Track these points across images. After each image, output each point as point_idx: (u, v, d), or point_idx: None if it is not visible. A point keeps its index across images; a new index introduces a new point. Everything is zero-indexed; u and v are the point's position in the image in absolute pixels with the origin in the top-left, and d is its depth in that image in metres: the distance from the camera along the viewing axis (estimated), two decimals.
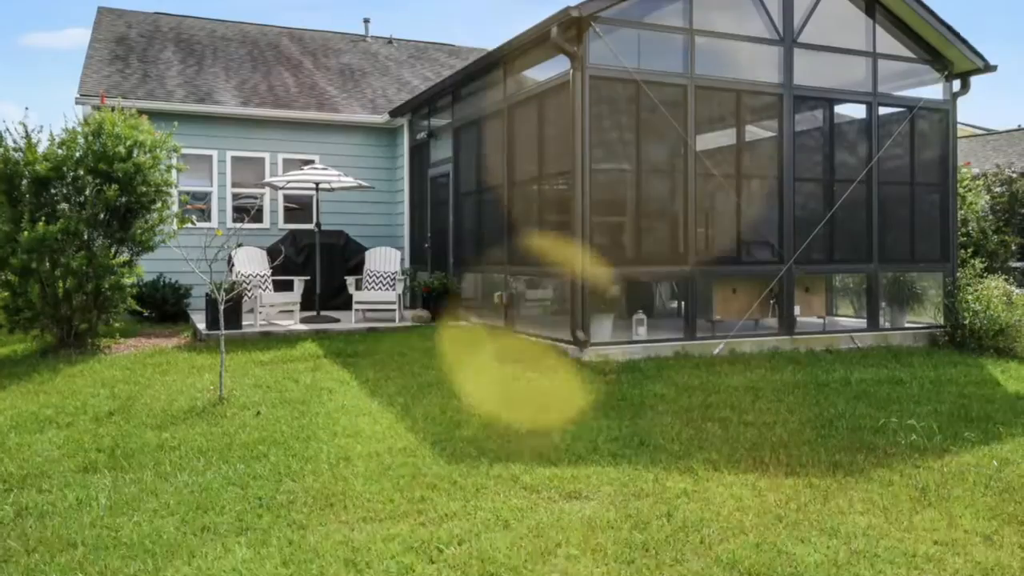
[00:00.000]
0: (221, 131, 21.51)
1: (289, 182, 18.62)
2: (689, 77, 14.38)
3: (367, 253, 19.54)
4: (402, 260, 20.58)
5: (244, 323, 16.82)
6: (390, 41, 31.57)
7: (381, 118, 22.65)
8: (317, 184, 18.74)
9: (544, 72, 15.19)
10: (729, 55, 15.11)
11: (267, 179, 19.97)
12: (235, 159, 21.71)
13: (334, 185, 18.97)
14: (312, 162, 22.16)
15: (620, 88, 13.94)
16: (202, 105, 21.09)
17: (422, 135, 21.44)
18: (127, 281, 14.67)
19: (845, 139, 16.32)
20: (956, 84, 16.93)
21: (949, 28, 16.19)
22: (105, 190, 14.11)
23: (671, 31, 14.50)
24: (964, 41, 16.29)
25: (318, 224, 19.01)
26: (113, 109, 15.18)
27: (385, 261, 19.12)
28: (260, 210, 21.97)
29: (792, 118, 15.29)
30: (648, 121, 14.22)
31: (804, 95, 15.43)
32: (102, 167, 14.21)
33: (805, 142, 15.85)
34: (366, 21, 31.74)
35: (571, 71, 13.65)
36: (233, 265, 17.89)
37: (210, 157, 21.43)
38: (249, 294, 17.26)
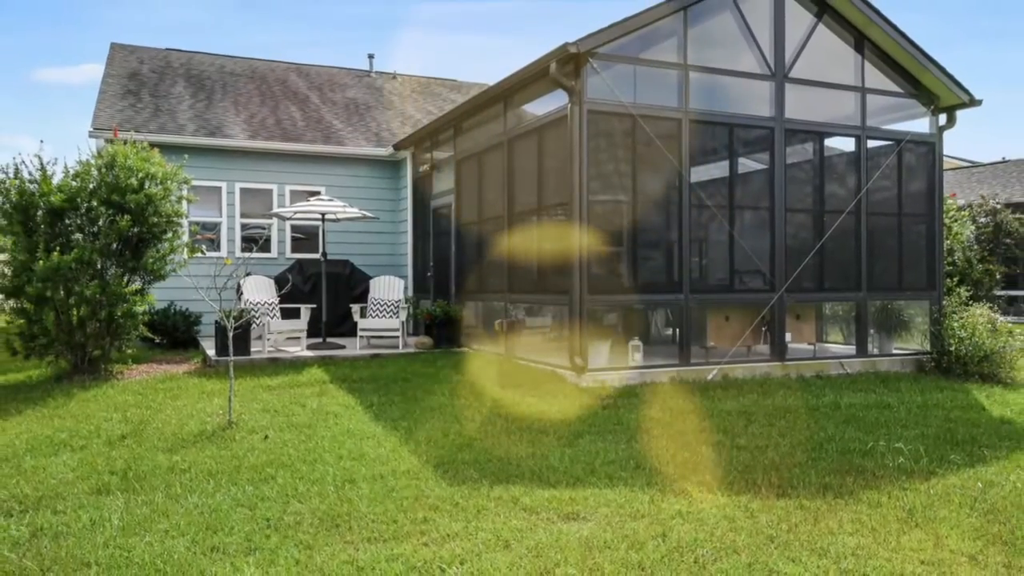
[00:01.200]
0: (230, 163, 21.59)
1: (296, 213, 18.68)
2: (683, 111, 14.47)
3: (371, 282, 19.61)
4: (405, 288, 20.62)
5: (252, 349, 16.86)
6: (394, 76, 31.75)
7: (385, 151, 22.74)
8: (323, 215, 18.81)
9: (543, 106, 15.27)
10: (722, 89, 15.19)
11: (275, 210, 20.02)
12: (244, 190, 21.78)
13: (339, 216, 19.02)
14: (318, 193, 22.27)
15: (617, 122, 14.01)
16: (212, 138, 21.17)
17: (425, 167, 21.52)
18: (139, 309, 14.70)
19: (835, 171, 16.38)
20: (942, 118, 17.01)
21: (935, 63, 16.29)
22: (118, 221, 14.16)
23: (666, 67, 14.59)
24: (950, 76, 16.38)
25: (324, 254, 19.08)
26: (126, 142, 15.25)
27: (389, 290, 19.17)
28: (268, 240, 22.02)
29: (783, 151, 15.36)
30: (644, 154, 14.29)
31: (795, 128, 15.50)
32: (115, 198, 14.26)
33: (796, 174, 15.91)
34: (370, 57, 31.89)
35: (569, 105, 13.74)
36: (242, 293, 17.94)
37: (219, 188, 21.50)
38: (257, 321, 17.30)
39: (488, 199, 17.39)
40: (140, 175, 14.59)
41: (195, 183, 18.12)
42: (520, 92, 16.06)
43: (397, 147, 22.31)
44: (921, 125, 16.99)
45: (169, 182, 15.00)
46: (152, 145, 15.98)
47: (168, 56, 28.14)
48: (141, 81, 24.79)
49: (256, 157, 21.90)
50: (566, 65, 13.68)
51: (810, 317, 16.34)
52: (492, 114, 17.41)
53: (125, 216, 14.21)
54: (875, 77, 16.40)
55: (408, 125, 25.33)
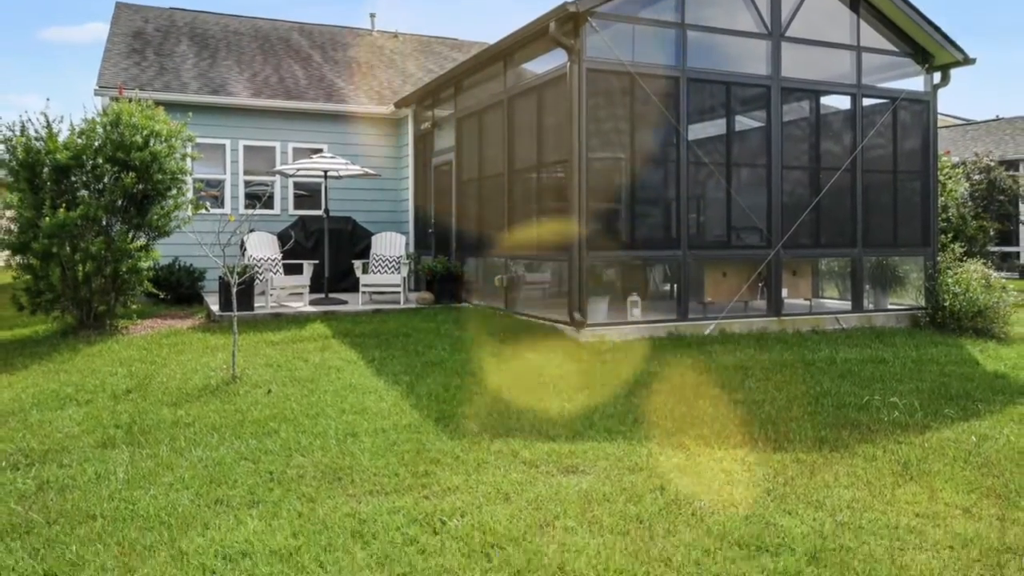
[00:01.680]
0: (234, 121, 21.44)
1: (299, 170, 18.59)
2: (681, 70, 14.32)
3: (373, 238, 19.53)
4: (407, 245, 20.50)
5: (256, 305, 16.79)
6: (395, 35, 31.57)
7: (387, 109, 22.60)
8: (326, 172, 18.71)
9: (543, 65, 15.13)
10: (720, 48, 15.04)
11: (278, 167, 19.87)
12: (247, 148, 21.66)
13: (342, 173, 18.92)
14: (321, 151, 22.12)
15: (615, 80, 13.88)
16: (216, 96, 21.02)
17: (426, 125, 21.38)
18: (143, 265, 14.62)
19: (830, 129, 16.24)
20: (937, 76, 16.84)
21: (930, 22, 16.12)
22: (123, 178, 14.06)
23: (664, 26, 14.43)
24: (944, 35, 16.20)
25: (326, 210, 18.98)
26: (131, 100, 15.13)
27: (390, 246, 19.10)
28: (271, 197, 21.91)
29: (780, 109, 15.22)
30: (642, 112, 14.16)
31: (791, 87, 15.34)
32: (120, 156, 14.16)
33: (792, 132, 15.78)
34: (372, 16, 31.80)
35: (568, 64, 13.60)
36: (245, 249, 17.87)
37: (223, 146, 21.38)
38: (260, 277, 17.23)
39: (488, 156, 17.26)
40: (145, 133, 14.46)
41: (199, 140, 17.97)
42: (520, 51, 15.91)
43: (398, 105, 22.14)
44: (916, 83, 16.82)
45: (173, 140, 14.89)
46: (157, 103, 15.85)
47: (173, 15, 27.96)
48: (146, 40, 24.62)
49: (259, 115, 21.75)
50: (565, 24, 13.52)
51: (806, 273, 16.25)
52: (492, 73, 17.25)
53: (130, 173, 14.12)
54: (870, 36, 16.22)
55: (409, 84, 25.17)
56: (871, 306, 16.47)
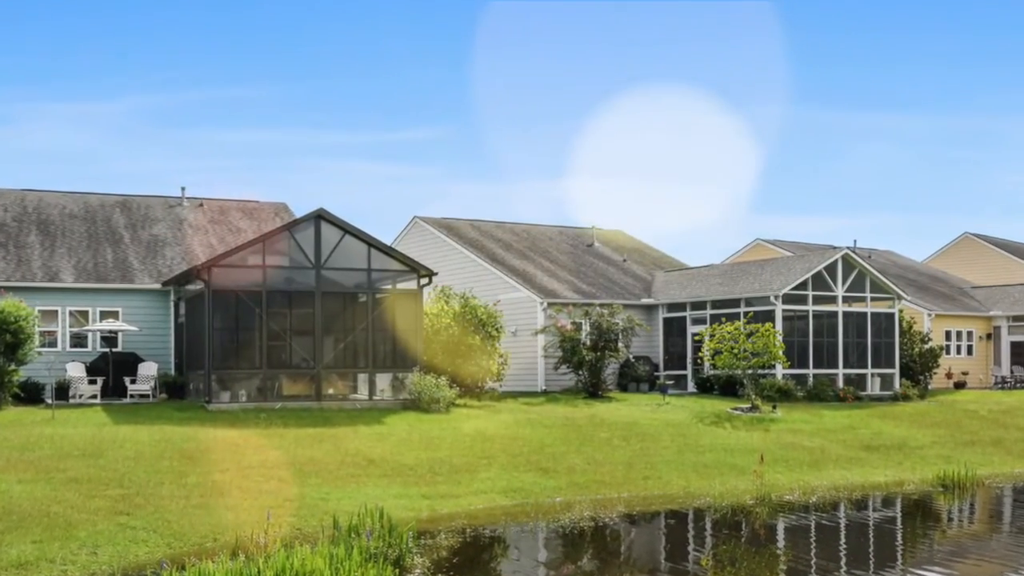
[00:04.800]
0: (63, 296, 41.17)
1: (101, 328, 39.15)
2: (264, 287, 35.66)
3: (141, 364, 40.00)
4: (158, 368, 40.43)
5: (70, 400, 37.20)
6: (201, 204, 48.88)
7: (158, 285, 42.44)
8: (114, 331, 39.32)
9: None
10: (289, 273, 36.36)
11: (89, 326, 40.42)
12: (71, 312, 41.34)
13: (125, 329, 39.43)
14: (117, 314, 41.97)
15: (241, 295, 35.06)
16: (52, 283, 40.81)
17: (179, 297, 41.91)
18: (16, 379, 35.06)
19: (358, 308, 37.38)
20: (424, 280, 38.18)
21: (398, 255, 37.72)
22: (5, 337, 34.34)
23: (255, 268, 35.81)
24: (417, 266, 37.68)
25: (111, 350, 39.67)
26: (9, 293, 35.74)
27: (148, 369, 39.66)
28: (86, 338, 41.90)
29: (321, 302, 36.37)
30: (260, 307, 35.38)
31: (328, 291, 36.70)
32: (4, 327, 34.42)
33: (333, 309, 37.07)
34: (183, 188, 49.78)
35: (206, 289, 34.68)
36: (66, 371, 38.31)
37: (56, 311, 41.10)
38: (73, 386, 37.72)
39: (196, 318, 38.20)
40: (15, 316, 34.75)
41: (41, 308, 38.10)
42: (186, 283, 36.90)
43: (165, 284, 42.04)
44: (413, 284, 38.22)
45: (27, 317, 35.13)
46: (16, 288, 36.84)
47: (24, 199, 46.43)
48: (7, 233, 43.56)
49: (80, 291, 41.26)
50: (201, 272, 34.66)
51: (347, 378, 37.36)
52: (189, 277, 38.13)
53: (7, 335, 34.39)
54: (381, 260, 37.52)
55: (185, 263, 43.78)
56: (378, 397, 37.49)
